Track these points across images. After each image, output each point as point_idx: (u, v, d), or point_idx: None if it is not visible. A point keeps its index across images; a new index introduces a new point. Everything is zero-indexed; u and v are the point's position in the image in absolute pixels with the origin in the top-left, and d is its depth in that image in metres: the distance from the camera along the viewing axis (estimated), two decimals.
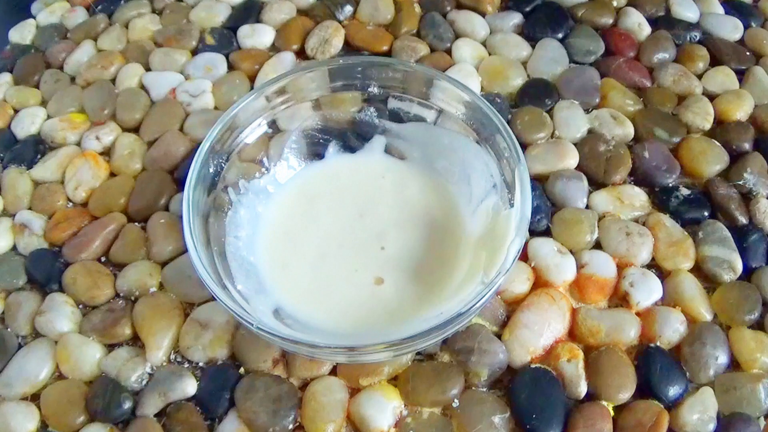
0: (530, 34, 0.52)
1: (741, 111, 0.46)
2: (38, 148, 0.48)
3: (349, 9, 0.54)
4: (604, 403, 0.35)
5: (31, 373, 0.37)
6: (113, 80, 0.51)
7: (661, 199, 0.43)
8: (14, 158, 0.47)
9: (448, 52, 0.51)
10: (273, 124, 0.40)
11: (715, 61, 0.50)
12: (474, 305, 0.31)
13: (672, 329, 0.37)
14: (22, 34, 0.56)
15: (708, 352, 0.36)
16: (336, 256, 0.38)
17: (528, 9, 0.54)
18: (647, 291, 0.38)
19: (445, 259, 0.38)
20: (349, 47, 0.52)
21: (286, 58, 0.51)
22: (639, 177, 0.44)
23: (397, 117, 0.42)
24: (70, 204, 0.45)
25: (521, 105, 0.47)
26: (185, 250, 0.37)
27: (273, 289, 0.37)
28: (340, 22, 0.53)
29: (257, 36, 0.53)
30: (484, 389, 0.36)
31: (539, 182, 0.43)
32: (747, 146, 0.45)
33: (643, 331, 0.37)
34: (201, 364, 0.37)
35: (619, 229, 0.41)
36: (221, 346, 0.37)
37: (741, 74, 0.49)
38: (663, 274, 0.40)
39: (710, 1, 0.54)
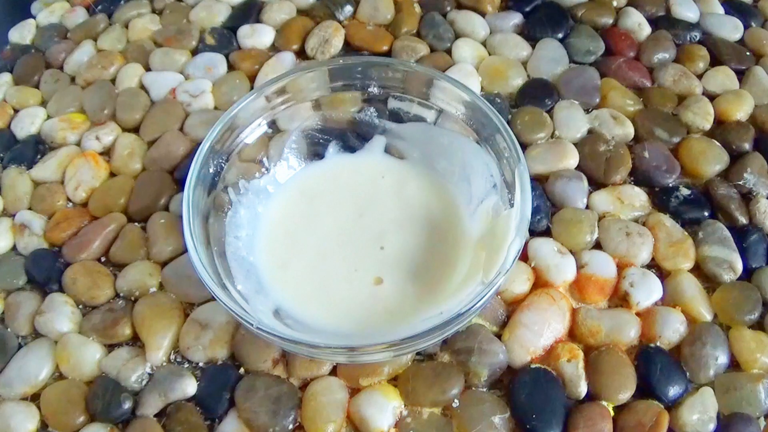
0: (530, 34, 0.52)
1: (741, 111, 0.46)
2: (38, 148, 0.47)
3: (349, 9, 0.54)
4: (604, 403, 0.35)
5: (31, 373, 0.37)
6: (113, 80, 0.51)
7: (661, 199, 0.43)
8: (14, 158, 0.47)
9: (448, 52, 0.51)
10: (273, 124, 0.40)
11: (715, 61, 0.50)
12: (474, 305, 0.31)
13: (672, 329, 0.37)
14: (22, 34, 0.56)
15: (708, 352, 0.36)
16: (336, 256, 0.38)
17: (528, 9, 0.54)
18: (647, 291, 0.38)
19: (445, 259, 0.38)
20: (349, 47, 0.52)
21: (286, 58, 0.51)
22: (639, 177, 0.44)
23: (397, 117, 0.42)
24: (70, 204, 0.45)
25: (521, 105, 0.47)
26: (185, 250, 0.37)
27: (273, 289, 0.37)
28: (340, 22, 0.53)
29: (257, 36, 0.52)
30: (484, 389, 0.36)
31: (539, 182, 0.43)
32: (747, 146, 0.45)
33: (643, 331, 0.37)
34: (201, 364, 0.37)
35: (619, 229, 0.41)
36: (221, 346, 0.37)
37: (741, 74, 0.49)
38: (663, 274, 0.40)
39: (710, 1, 0.54)
